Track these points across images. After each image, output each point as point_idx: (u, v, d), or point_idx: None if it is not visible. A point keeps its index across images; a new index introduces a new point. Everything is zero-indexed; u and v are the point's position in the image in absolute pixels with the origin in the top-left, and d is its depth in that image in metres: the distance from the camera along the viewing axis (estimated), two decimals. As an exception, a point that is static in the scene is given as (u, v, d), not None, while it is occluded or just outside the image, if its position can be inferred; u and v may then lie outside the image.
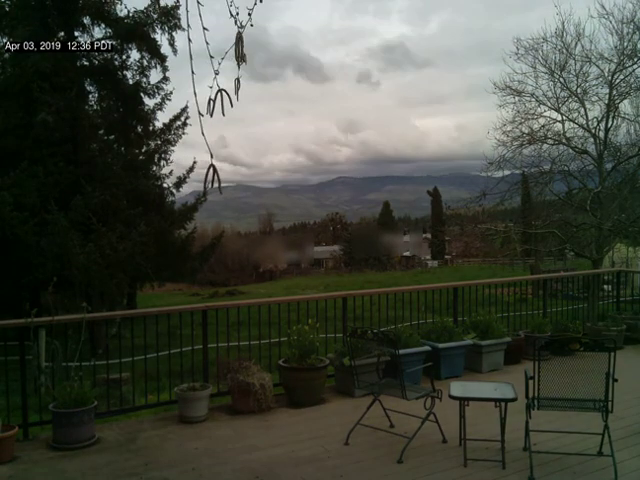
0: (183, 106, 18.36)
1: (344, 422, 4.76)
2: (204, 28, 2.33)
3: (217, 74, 2.39)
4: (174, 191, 18.94)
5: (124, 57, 17.58)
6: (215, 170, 2.49)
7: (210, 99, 2.42)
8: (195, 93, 2.45)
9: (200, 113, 2.45)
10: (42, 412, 4.98)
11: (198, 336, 5.64)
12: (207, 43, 2.36)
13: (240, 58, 2.37)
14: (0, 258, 14.28)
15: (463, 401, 4.11)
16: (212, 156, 2.52)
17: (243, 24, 2.35)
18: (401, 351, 4.94)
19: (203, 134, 2.54)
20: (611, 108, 14.80)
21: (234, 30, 2.36)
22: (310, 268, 58.50)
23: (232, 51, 2.38)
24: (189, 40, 2.39)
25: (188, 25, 2.37)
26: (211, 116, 2.44)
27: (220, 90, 2.42)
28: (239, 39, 2.37)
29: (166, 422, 5.15)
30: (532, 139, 15.68)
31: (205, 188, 2.52)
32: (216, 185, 2.51)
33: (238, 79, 2.44)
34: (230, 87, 2.45)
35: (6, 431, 4.34)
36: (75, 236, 13.97)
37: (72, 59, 16.39)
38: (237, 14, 2.33)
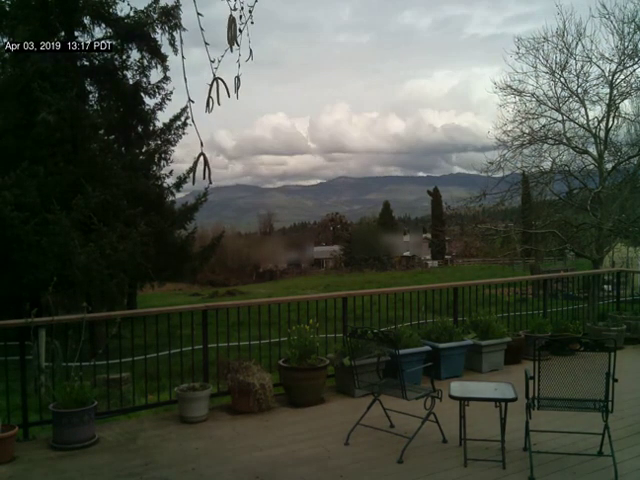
0: (183, 106, 18.39)
1: (344, 422, 4.76)
2: (198, 14, 2.26)
3: (212, 61, 2.33)
4: (174, 191, 18.98)
5: (124, 57, 17.58)
6: (205, 159, 2.40)
7: (210, 96, 2.37)
8: (185, 79, 2.36)
9: (190, 100, 2.37)
10: (42, 412, 4.98)
11: (198, 336, 5.64)
12: (202, 29, 2.29)
13: (232, 41, 2.32)
14: (0, 258, 14.28)
15: (463, 401, 4.11)
16: (202, 144, 2.44)
17: (236, 7, 2.31)
18: (401, 351, 4.94)
19: (193, 122, 2.50)
20: (612, 108, 14.82)
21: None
22: (310, 268, 58.45)
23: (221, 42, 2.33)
24: (182, 27, 2.35)
25: (198, 13, 2.30)
26: (210, 111, 2.36)
27: (216, 78, 2.35)
28: (232, 22, 2.32)
29: (166, 422, 5.15)
30: (532, 139, 15.70)
31: (194, 178, 2.39)
32: (205, 175, 2.41)
33: (238, 77, 2.41)
34: (230, 85, 2.41)
35: (6, 431, 4.34)
36: (76, 236, 13.96)
37: (72, 59, 16.39)
38: (250, 12, 2.30)
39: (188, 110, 2.44)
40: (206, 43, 2.29)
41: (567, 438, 4.29)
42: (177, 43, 17.21)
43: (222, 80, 2.36)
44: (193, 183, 2.50)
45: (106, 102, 18.08)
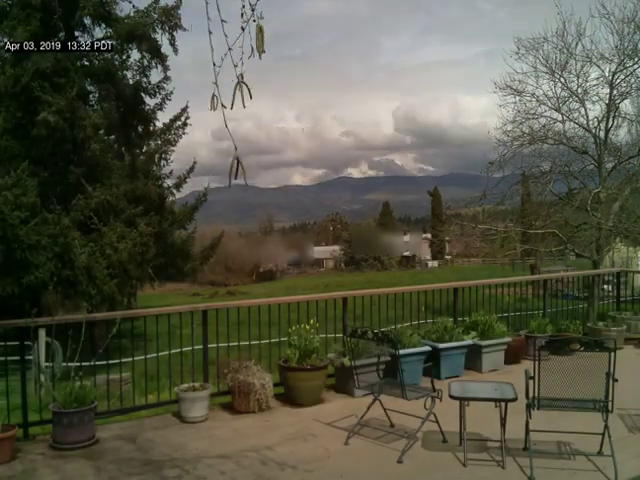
0: (183, 106, 18.40)
1: (344, 422, 4.76)
2: (222, 20, 2.33)
3: (236, 66, 2.39)
4: (174, 191, 18.98)
5: (124, 57, 17.55)
6: (239, 162, 2.51)
7: (214, 95, 2.42)
8: (217, 85, 2.43)
9: (223, 105, 2.46)
10: (42, 412, 4.98)
11: (198, 336, 5.64)
12: (226, 36, 2.36)
13: (260, 49, 2.36)
14: (0, 258, 14.27)
15: (463, 401, 4.11)
16: (236, 148, 2.53)
17: (261, 16, 2.34)
18: (401, 351, 4.95)
19: (227, 126, 2.55)
20: (612, 108, 14.82)
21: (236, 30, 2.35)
22: (310, 268, 58.51)
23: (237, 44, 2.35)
24: (209, 32, 2.37)
25: (208, 17, 2.35)
26: (231, 108, 2.45)
27: (240, 82, 2.42)
28: (259, 31, 2.36)
29: (166, 422, 5.15)
30: (532, 139, 15.70)
31: (230, 180, 2.52)
32: (240, 177, 2.53)
33: (242, 74, 2.42)
34: (229, 86, 2.44)
35: (6, 431, 4.34)
36: (76, 236, 13.97)
37: (72, 59, 16.37)
38: (253, 10, 2.32)
39: (223, 118, 2.51)
40: (229, 48, 2.36)
41: (567, 438, 4.29)
42: (176, 43, 17.19)
43: (245, 83, 2.43)
44: (229, 186, 2.60)
45: (106, 102, 18.07)
